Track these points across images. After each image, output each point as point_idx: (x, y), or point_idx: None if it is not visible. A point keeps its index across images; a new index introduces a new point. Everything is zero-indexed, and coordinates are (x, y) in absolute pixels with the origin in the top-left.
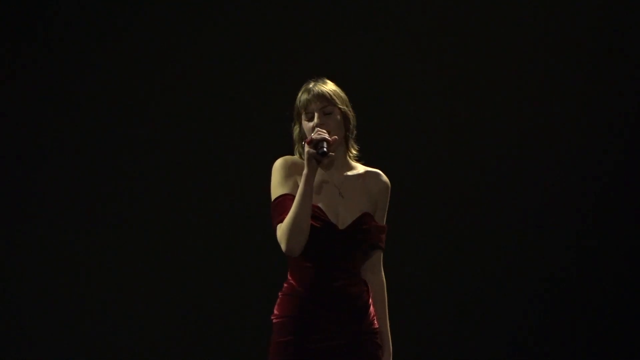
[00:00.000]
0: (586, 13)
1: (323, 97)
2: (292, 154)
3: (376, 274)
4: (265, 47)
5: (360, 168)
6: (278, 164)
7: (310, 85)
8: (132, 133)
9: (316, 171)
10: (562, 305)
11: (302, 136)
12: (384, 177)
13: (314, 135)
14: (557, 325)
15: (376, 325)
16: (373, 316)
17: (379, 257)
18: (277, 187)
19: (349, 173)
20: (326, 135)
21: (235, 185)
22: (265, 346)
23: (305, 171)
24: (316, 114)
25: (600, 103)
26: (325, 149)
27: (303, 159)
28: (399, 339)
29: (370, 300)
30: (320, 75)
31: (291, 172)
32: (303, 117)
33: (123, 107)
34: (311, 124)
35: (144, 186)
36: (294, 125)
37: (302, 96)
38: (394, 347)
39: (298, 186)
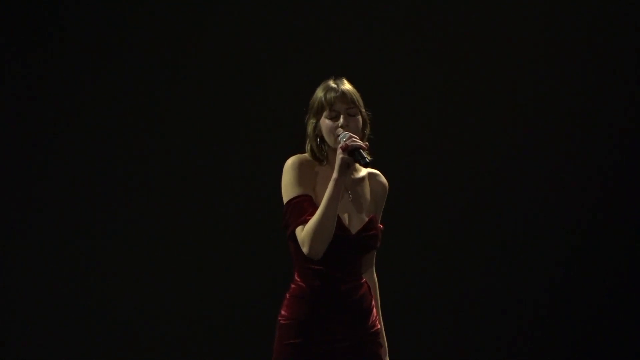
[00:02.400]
0: (586, 13)
1: (350, 98)
2: (298, 153)
3: (370, 273)
4: (269, 48)
5: (361, 169)
6: (290, 163)
7: (335, 84)
8: (135, 134)
9: (347, 177)
10: (561, 306)
11: (319, 132)
12: (384, 179)
13: (348, 142)
14: (557, 325)
15: (378, 326)
16: (375, 317)
17: (373, 256)
18: (291, 187)
19: (356, 176)
20: (360, 142)
21: (239, 185)
22: (266, 346)
23: (335, 176)
24: (342, 115)
25: (601, 104)
26: (367, 159)
27: (316, 156)
28: (399, 338)
29: (373, 301)
30: (330, 75)
31: (304, 171)
32: (326, 114)
33: (124, 107)
34: (334, 123)
35: (148, 186)
36: (309, 120)
37: (328, 93)
38: (395, 346)
39: (313, 186)
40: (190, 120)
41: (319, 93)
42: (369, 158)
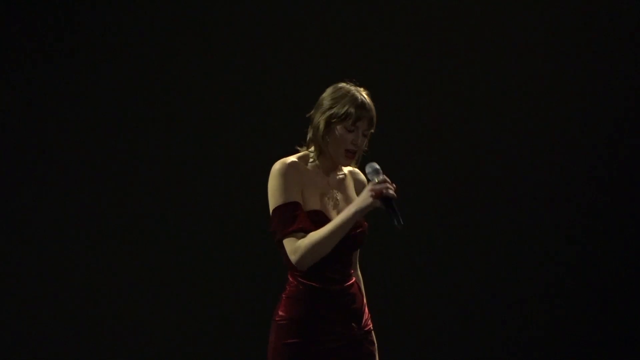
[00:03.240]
0: (586, 12)
1: (373, 121)
2: (292, 154)
3: (356, 271)
4: (266, 49)
5: (344, 168)
6: (278, 168)
7: (366, 100)
8: (135, 134)
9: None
10: (559, 306)
11: (328, 131)
12: (364, 177)
13: (384, 190)
14: (555, 325)
15: (370, 325)
16: (368, 315)
17: (357, 255)
18: (280, 193)
19: (340, 175)
20: (392, 191)
21: (235, 186)
22: (257, 345)
23: (355, 209)
24: (359, 135)
25: (600, 103)
26: (402, 223)
27: (315, 148)
28: (388, 336)
29: (364, 300)
30: (323, 76)
31: (293, 176)
32: (346, 124)
33: (124, 108)
34: (349, 137)
35: (146, 187)
36: (323, 114)
37: (359, 110)
38: (390, 346)
39: (301, 190)
40: (191, 120)
41: (349, 102)
42: (401, 219)
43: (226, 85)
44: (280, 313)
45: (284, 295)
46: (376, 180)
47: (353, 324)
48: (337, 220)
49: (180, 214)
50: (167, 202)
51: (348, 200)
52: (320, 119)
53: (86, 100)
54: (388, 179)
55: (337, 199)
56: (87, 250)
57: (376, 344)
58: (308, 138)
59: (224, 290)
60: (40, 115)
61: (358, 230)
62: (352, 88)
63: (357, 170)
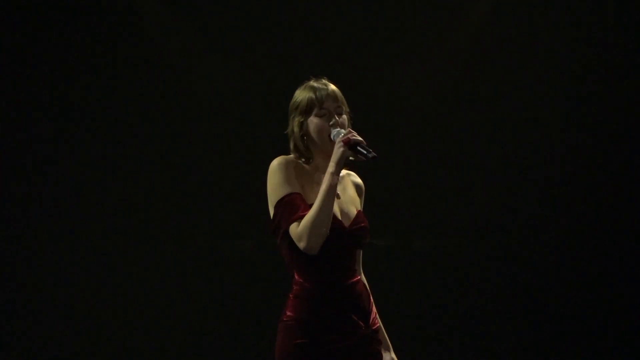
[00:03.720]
0: (586, 12)
1: (340, 97)
2: (284, 154)
3: (360, 272)
4: (258, 49)
5: None
6: (277, 163)
7: (322, 84)
8: (133, 134)
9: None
10: (560, 306)
11: (305, 131)
12: (359, 178)
13: (350, 136)
14: (555, 324)
15: (377, 324)
16: (375, 314)
17: (361, 254)
18: (281, 186)
19: None
20: (359, 137)
21: (240, 186)
22: (265, 346)
23: (332, 169)
24: (334, 114)
25: (599, 102)
26: (375, 154)
27: (302, 154)
28: (395, 337)
29: (371, 298)
30: (315, 75)
31: (291, 171)
32: (315, 112)
33: (123, 108)
34: (325, 122)
35: (148, 187)
36: (294, 118)
37: (318, 92)
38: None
39: (302, 185)
40: (190, 120)
41: (307, 92)
42: (375, 153)
43: (225, 86)
44: (288, 313)
45: (291, 296)
46: (341, 135)
47: (360, 322)
48: (322, 187)
49: (184, 214)
50: (170, 202)
51: (347, 195)
52: (293, 124)
53: (85, 101)
54: (353, 131)
55: (337, 193)
56: (89, 251)
57: (386, 340)
58: (295, 149)
59: (230, 291)
60: (40, 115)
61: (361, 225)
62: (307, 82)
63: (353, 173)
